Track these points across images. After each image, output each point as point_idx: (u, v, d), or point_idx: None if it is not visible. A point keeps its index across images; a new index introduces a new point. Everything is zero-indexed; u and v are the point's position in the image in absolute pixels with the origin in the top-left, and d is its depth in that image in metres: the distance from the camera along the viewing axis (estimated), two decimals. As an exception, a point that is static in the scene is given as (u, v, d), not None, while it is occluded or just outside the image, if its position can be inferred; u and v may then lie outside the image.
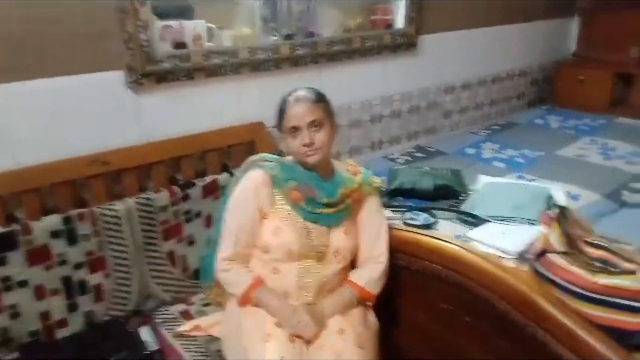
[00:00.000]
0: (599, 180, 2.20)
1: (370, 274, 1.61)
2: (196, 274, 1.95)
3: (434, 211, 1.88)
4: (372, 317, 1.62)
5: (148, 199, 1.82)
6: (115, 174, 1.87)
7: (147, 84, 1.90)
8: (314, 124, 1.49)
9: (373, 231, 1.63)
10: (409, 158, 2.57)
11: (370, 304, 1.63)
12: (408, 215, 1.86)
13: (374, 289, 1.61)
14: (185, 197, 1.91)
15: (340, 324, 1.51)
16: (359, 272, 1.63)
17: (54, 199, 1.75)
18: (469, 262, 1.53)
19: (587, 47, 3.72)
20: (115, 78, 1.85)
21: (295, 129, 1.49)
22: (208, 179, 1.98)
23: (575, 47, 3.83)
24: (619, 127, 2.95)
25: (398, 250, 1.68)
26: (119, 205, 1.77)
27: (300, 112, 1.48)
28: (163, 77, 1.93)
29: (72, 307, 1.71)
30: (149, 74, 1.88)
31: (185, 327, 1.73)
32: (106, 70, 1.83)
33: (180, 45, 1.97)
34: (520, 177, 2.26)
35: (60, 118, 1.76)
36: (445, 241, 1.63)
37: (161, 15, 1.94)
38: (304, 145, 1.48)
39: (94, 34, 1.76)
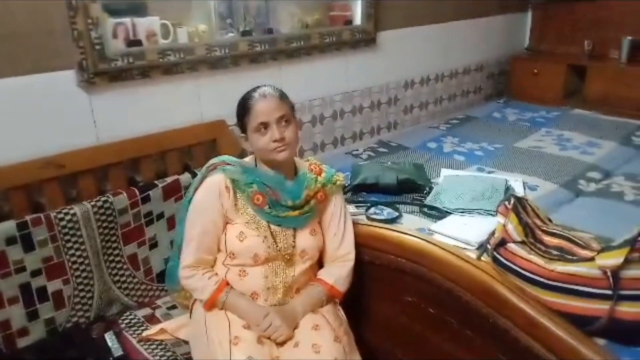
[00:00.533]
0: (556, 171, 2.26)
1: (339, 272, 1.61)
2: (160, 277, 1.92)
3: (397, 205, 1.90)
4: (341, 313, 1.62)
5: (106, 201, 1.77)
6: (71, 177, 1.81)
7: (100, 83, 1.84)
8: (283, 119, 1.48)
9: (339, 229, 1.63)
10: (372, 153, 2.58)
11: (338, 300, 1.64)
12: (372, 210, 1.88)
13: (343, 286, 1.62)
14: (146, 199, 1.87)
15: (314, 320, 1.51)
16: (328, 270, 1.63)
17: (8, 204, 1.70)
18: (432, 254, 1.55)
19: (541, 41, 3.82)
20: (66, 78, 1.79)
21: (263, 126, 1.47)
22: (169, 179, 1.95)
23: (528, 41, 3.93)
24: (573, 118, 3.04)
25: (363, 245, 1.69)
26: (76, 209, 1.72)
27: (268, 108, 1.46)
28: (117, 76, 1.88)
29: (32, 315, 1.66)
30: (102, 72, 1.83)
31: (151, 331, 1.70)
32: (56, 70, 1.76)
33: (134, 43, 1.93)
34: (480, 170, 2.31)
35: (9, 121, 1.69)
36: (409, 235, 1.65)
37: (113, 12, 1.89)
38: (274, 141, 1.46)
39: (41, 33, 1.70)
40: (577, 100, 3.40)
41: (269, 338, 1.46)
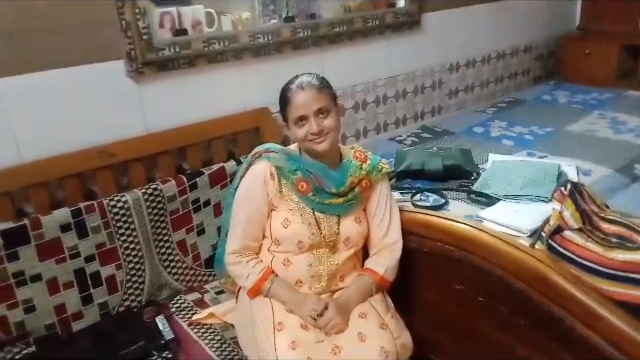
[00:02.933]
0: (610, 155, 2.17)
1: (389, 262, 1.60)
2: (208, 262, 1.96)
3: (443, 192, 1.86)
4: (388, 299, 1.62)
5: (156, 189, 1.81)
6: (122, 166, 1.86)
7: (148, 73, 1.87)
8: (321, 112, 1.46)
9: (385, 218, 1.61)
10: (416, 139, 2.54)
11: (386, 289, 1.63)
12: (417, 196, 1.85)
13: (392, 276, 1.61)
14: (193, 186, 1.90)
15: (361, 309, 1.51)
16: (378, 260, 1.61)
17: (62, 192, 1.75)
18: (483, 242, 1.52)
19: (592, 20, 3.64)
20: (115, 68, 1.82)
21: (302, 119, 1.46)
22: (215, 167, 1.97)
23: (579, 20, 3.76)
24: (627, 100, 2.90)
25: (409, 232, 1.67)
26: (127, 197, 1.76)
27: (306, 101, 1.45)
28: (164, 66, 1.90)
29: (87, 300, 1.72)
30: (150, 62, 1.85)
31: (200, 315, 1.74)
32: (105, 61, 1.80)
33: (180, 32, 1.94)
34: (530, 154, 2.23)
35: (62, 111, 1.74)
36: (458, 222, 1.62)
37: (159, 1, 1.91)
38: (313, 134, 1.45)
39: (90, 24, 1.73)
40: (631, 81, 3.25)
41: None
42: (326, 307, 1.46)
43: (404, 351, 1.48)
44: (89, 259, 1.71)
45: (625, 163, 2.11)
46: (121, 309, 1.78)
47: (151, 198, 1.80)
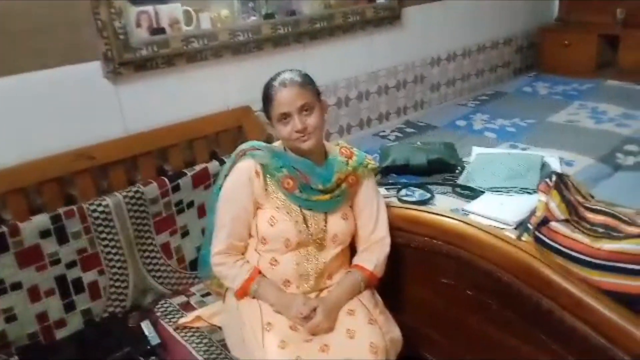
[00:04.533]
0: (592, 145, 2.18)
1: (378, 258, 1.58)
2: (193, 265, 1.93)
3: (429, 186, 1.86)
4: (376, 295, 1.60)
5: (137, 192, 1.78)
6: (102, 169, 1.82)
7: (126, 74, 1.84)
8: (305, 109, 1.44)
9: (372, 214, 1.59)
10: (400, 134, 2.54)
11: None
12: (403, 192, 1.85)
13: (381, 272, 1.60)
14: (176, 188, 1.87)
15: (350, 305, 1.50)
16: (366, 256, 1.60)
17: (41, 197, 1.72)
18: (470, 235, 1.51)
19: (570, 11, 3.67)
20: (92, 69, 1.79)
21: (285, 116, 1.44)
22: (197, 167, 1.94)
23: (558, 12, 3.79)
24: (607, 90, 2.93)
25: (396, 227, 1.66)
26: (108, 200, 1.72)
27: (289, 98, 1.42)
28: (142, 66, 1.87)
29: (69, 307, 1.68)
30: (127, 62, 1.82)
31: (187, 318, 1.72)
32: (81, 62, 1.76)
33: (157, 31, 1.91)
34: (513, 146, 2.24)
35: (38, 114, 1.70)
36: (444, 216, 1.61)
37: (135, 1, 1.87)
38: (297, 132, 1.43)
39: (65, 25, 1.69)
40: (611, 71, 3.28)
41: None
42: (314, 310, 1.45)
43: (393, 346, 1.47)
44: (70, 265, 1.67)
45: (607, 152, 2.13)
46: (105, 315, 1.75)
47: (132, 201, 1.76)
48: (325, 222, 1.53)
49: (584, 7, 3.58)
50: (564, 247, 1.30)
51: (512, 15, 3.51)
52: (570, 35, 3.48)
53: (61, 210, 1.64)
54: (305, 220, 1.50)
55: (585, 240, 1.25)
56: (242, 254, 1.57)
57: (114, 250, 1.75)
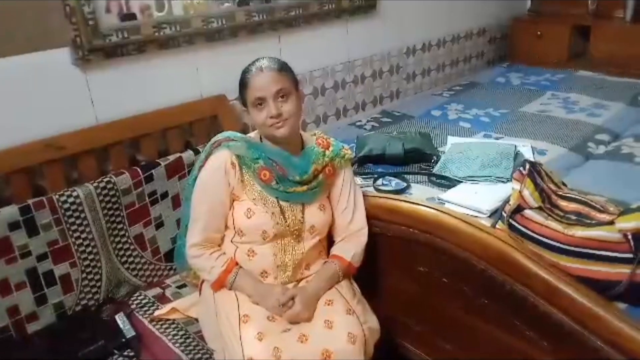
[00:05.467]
0: (564, 134, 2.22)
1: (356, 248, 1.59)
2: (168, 256, 1.90)
3: (405, 176, 1.87)
4: (355, 285, 1.61)
5: (109, 182, 1.74)
6: (72, 159, 1.77)
7: (95, 61, 1.78)
8: (280, 94, 1.42)
9: (349, 204, 1.59)
10: (376, 124, 2.54)
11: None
12: (380, 181, 1.85)
13: (358, 262, 1.60)
14: (149, 178, 1.83)
15: (328, 296, 1.50)
16: (344, 247, 1.60)
17: (9, 188, 1.66)
18: (446, 224, 1.52)
19: (543, 2, 3.72)
20: (60, 56, 1.73)
21: (260, 101, 1.42)
22: (171, 157, 1.91)
23: (530, 3, 3.83)
24: (579, 80, 2.97)
25: (373, 217, 1.66)
26: (79, 191, 1.68)
27: (264, 82, 1.41)
28: (112, 52, 1.81)
29: (41, 300, 1.64)
30: (96, 49, 1.76)
31: (162, 310, 1.69)
32: (50, 49, 1.70)
33: (128, 16, 1.85)
34: (487, 136, 2.27)
35: (5, 103, 1.64)
36: (420, 205, 1.62)
37: (105, -15, 1.81)
38: (271, 117, 1.41)
39: (32, 10, 1.63)
40: (582, 61, 3.33)
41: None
42: (292, 299, 1.44)
43: (371, 335, 1.48)
44: (41, 257, 1.63)
45: (578, 142, 2.16)
46: (78, 308, 1.71)
47: (104, 192, 1.72)
48: (303, 213, 1.52)
49: (557, -2, 3.63)
50: (538, 234, 1.32)
51: (485, 6, 3.53)
52: (542, 26, 3.51)
53: (30, 202, 1.59)
54: (282, 211, 1.49)
55: (558, 227, 1.28)
56: (219, 245, 1.55)
57: (86, 242, 1.71)
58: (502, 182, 1.74)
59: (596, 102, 2.60)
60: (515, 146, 1.99)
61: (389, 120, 2.59)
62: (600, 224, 1.24)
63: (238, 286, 1.49)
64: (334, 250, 1.60)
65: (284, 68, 1.45)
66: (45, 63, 1.70)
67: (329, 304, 1.48)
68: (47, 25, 1.67)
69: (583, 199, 1.37)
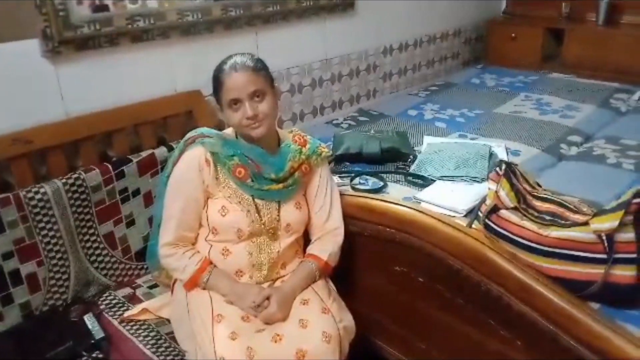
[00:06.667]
0: (538, 135, 2.25)
1: (332, 247, 1.57)
2: (139, 256, 1.85)
3: (382, 175, 1.86)
4: (330, 283, 1.59)
5: (78, 178, 1.68)
6: (40, 154, 1.71)
7: (66, 53, 1.73)
8: (256, 94, 1.40)
9: (325, 203, 1.58)
10: (353, 122, 2.53)
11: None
12: (356, 180, 1.84)
13: (334, 261, 1.59)
14: (120, 175, 1.78)
15: (304, 295, 1.48)
16: (321, 246, 1.58)
17: (-27, 184, 1.60)
18: (422, 223, 1.52)
19: (517, 4, 3.76)
20: (29, 48, 1.67)
21: (235, 102, 1.39)
22: (144, 154, 1.86)
23: (505, 5, 3.88)
24: (552, 82, 3.02)
25: (349, 216, 1.65)
26: (46, 188, 1.62)
27: (240, 83, 1.38)
28: (83, 45, 1.76)
29: (6, 300, 1.58)
30: (67, 41, 1.71)
31: (133, 311, 1.64)
32: (18, 40, 1.64)
33: (100, 8, 1.80)
34: (462, 136, 2.28)
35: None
36: (397, 204, 1.62)
37: (77, -25, 1.76)
38: (247, 119, 1.39)
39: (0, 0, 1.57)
40: (555, 64, 3.38)
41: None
42: (268, 299, 1.42)
43: (346, 334, 1.47)
44: (7, 256, 1.57)
45: (551, 143, 2.19)
46: (45, 308, 1.66)
47: (73, 189, 1.67)
48: (278, 211, 1.50)
49: (531, 1, 3.68)
50: (513, 234, 1.33)
51: (461, 8, 3.56)
52: (516, 28, 3.56)
53: (-5, 198, 1.54)
54: (257, 209, 1.46)
55: (534, 227, 1.29)
56: (192, 244, 1.52)
57: (53, 241, 1.65)
58: (478, 182, 1.75)
59: (568, 104, 2.64)
60: (490, 147, 2.00)
61: (366, 119, 2.58)
62: (575, 224, 1.25)
63: (212, 285, 1.46)
64: (310, 250, 1.58)
65: (259, 66, 1.42)
66: (13, 54, 1.64)
67: (304, 304, 1.46)
68: (16, 16, 1.61)
69: (557, 199, 1.39)
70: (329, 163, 1.90)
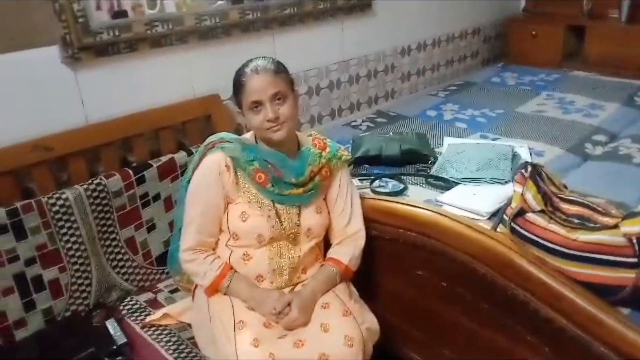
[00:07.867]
0: (561, 135, 2.20)
1: (353, 252, 1.56)
2: (160, 260, 1.86)
3: (402, 177, 1.84)
4: (351, 287, 1.58)
5: (99, 184, 1.69)
6: (61, 160, 1.72)
7: (86, 59, 1.74)
8: (277, 97, 1.39)
9: (346, 206, 1.56)
10: (371, 124, 2.51)
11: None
12: (376, 183, 1.82)
13: (356, 265, 1.57)
14: (140, 180, 1.79)
15: (324, 299, 1.47)
16: (341, 250, 1.56)
17: (-4, 191, 1.61)
18: (445, 226, 1.50)
19: (537, 2, 3.70)
20: (49, 54, 1.68)
21: (257, 104, 1.38)
22: (164, 158, 1.86)
23: (525, 2, 3.82)
24: (574, 80, 2.96)
25: (370, 219, 1.63)
26: (68, 193, 1.63)
27: (261, 85, 1.37)
28: (103, 51, 1.77)
29: (29, 306, 1.60)
30: (87, 47, 1.72)
31: (155, 316, 1.65)
32: (37, 47, 1.65)
33: (119, 14, 1.81)
34: (483, 137, 2.24)
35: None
36: (418, 207, 1.60)
37: (96, -18, 1.77)
38: (268, 121, 1.38)
39: (19, 7, 1.58)
40: (577, 61, 3.32)
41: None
42: (289, 305, 1.41)
43: (370, 335, 1.45)
44: (29, 262, 1.58)
45: (575, 142, 2.15)
46: (67, 313, 1.67)
47: (94, 194, 1.68)
48: (299, 216, 1.49)
49: (551, -3, 3.62)
50: (540, 238, 1.29)
51: (480, 6, 3.51)
52: (537, 26, 3.49)
53: (18, 205, 1.55)
54: (278, 214, 1.45)
55: (562, 231, 1.25)
56: (213, 249, 1.52)
57: (75, 246, 1.66)
58: (501, 183, 1.72)
59: (592, 103, 2.59)
60: (513, 147, 1.97)
61: (384, 120, 2.56)
62: (604, 227, 1.21)
63: (233, 291, 1.45)
64: (331, 254, 1.57)
65: (280, 69, 1.42)
66: (33, 61, 1.65)
67: (325, 307, 1.45)
68: (35, 23, 1.62)
69: (584, 201, 1.35)
70: (349, 166, 1.88)
